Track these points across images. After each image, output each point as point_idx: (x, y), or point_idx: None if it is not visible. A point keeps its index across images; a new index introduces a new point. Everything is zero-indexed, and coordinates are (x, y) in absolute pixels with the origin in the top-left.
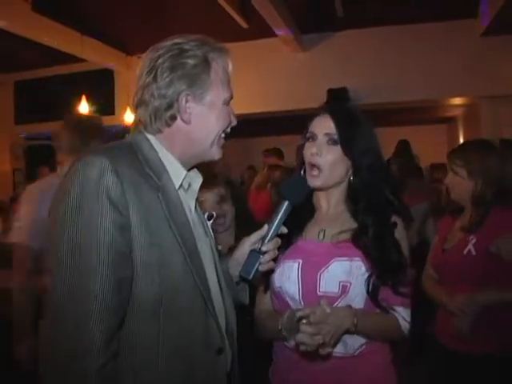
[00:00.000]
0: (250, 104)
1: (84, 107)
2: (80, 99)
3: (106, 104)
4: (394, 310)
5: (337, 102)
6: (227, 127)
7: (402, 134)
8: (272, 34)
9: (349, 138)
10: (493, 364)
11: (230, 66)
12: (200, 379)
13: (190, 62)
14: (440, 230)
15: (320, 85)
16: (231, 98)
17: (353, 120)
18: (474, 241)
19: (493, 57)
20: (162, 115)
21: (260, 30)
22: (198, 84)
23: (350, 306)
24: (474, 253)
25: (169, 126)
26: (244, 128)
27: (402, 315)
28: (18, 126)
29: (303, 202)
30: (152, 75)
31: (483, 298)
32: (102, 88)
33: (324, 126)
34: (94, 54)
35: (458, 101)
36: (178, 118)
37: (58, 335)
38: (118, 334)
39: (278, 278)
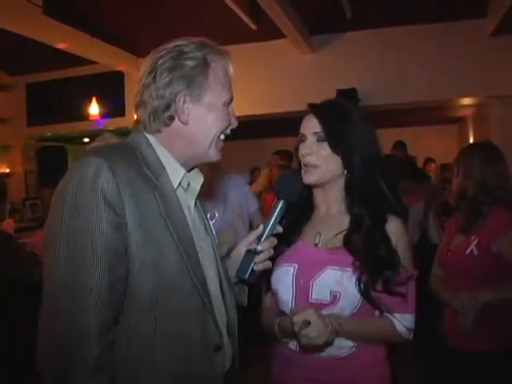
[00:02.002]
0: (258, 105)
1: (94, 109)
2: (91, 101)
3: (116, 106)
4: (394, 317)
5: (325, 100)
6: (226, 129)
7: (412, 134)
8: (281, 36)
9: (335, 135)
10: (493, 360)
11: (231, 69)
12: (196, 377)
13: (189, 63)
14: (447, 230)
15: (329, 86)
16: (231, 99)
17: (338, 116)
18: (476, 241)
19: (502, 57)
20: (161, 116)
21: (269, 31)
22: (196, 85)
23: (332, 317)
24: (476, 252)
25: (167, 126)
26: (254, 129)
27: (401, 321)
28: (30, 128)
29: (303, 202)
30: (152, 76)
31: (485, 295)
32: (112, 90)
33: (310, 126)
34: (104, 56)
35: (467, 101)
36: (176, 118)
37: (54, 330)
38: (113, 326)
39: (275, 281)
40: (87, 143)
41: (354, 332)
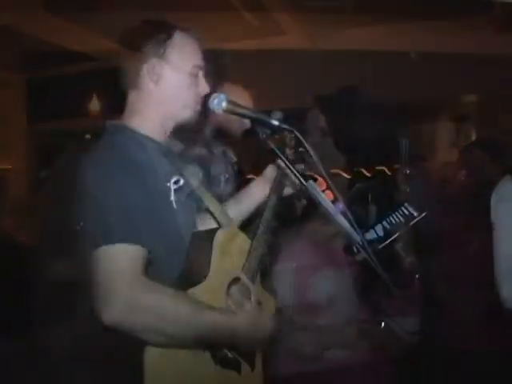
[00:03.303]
0: (259, 102)
1: (95, 105)
2: (92, 97)
3: (117, 102)
4: (393, 321)
5: (331, 96)
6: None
7: (412, 132)
8: (282, 32)
9: (339, 130)
10: (493, 360)
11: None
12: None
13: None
14: (449, 228)
15: (330, 82)
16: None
17: (345, 113)
18: (478, 239)
19: (505, 54)
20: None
21: (271, 27)
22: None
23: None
24: (478, 250)
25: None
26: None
27: (401, 325)
28: (31, 125)
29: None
30: None
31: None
32: (113, 86)
33: (315, 120)
34: (105, 52)
35: (470, 98)
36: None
37: None
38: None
39: (275, 279)
40: (88, 140)
41: (347, 344)
